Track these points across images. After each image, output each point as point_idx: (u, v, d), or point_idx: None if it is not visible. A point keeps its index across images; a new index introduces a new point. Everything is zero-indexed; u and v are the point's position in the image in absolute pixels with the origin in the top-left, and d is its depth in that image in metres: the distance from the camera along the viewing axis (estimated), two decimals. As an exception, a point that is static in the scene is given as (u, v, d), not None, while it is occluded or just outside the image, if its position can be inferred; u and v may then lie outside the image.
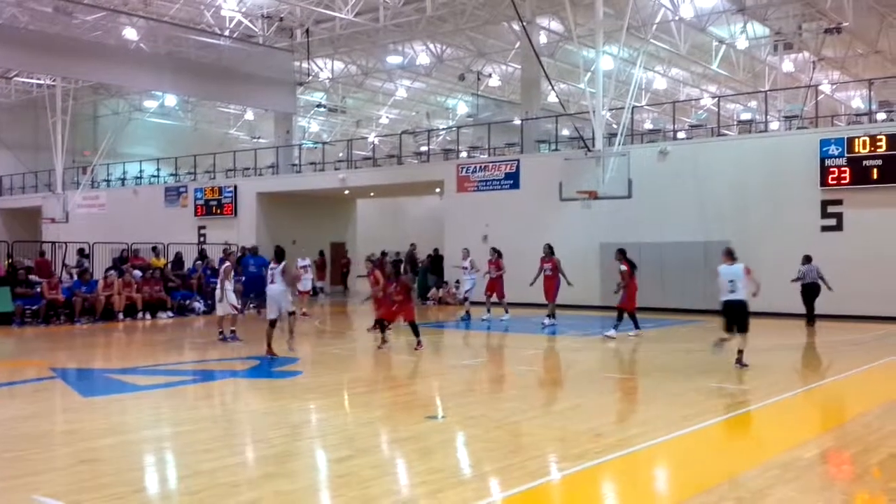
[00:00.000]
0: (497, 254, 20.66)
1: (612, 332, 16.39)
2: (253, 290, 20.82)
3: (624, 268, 16.74)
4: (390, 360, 14.24)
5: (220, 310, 16.01)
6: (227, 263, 16.57)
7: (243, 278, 20.71)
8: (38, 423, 8.83)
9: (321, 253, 32.79)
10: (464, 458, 7.49)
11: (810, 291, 18.80)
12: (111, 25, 29.13)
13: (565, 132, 29.05)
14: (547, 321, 18.58)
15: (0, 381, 11.81)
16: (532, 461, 6.98)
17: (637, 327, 16.84)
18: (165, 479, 6.86)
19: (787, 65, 33.64)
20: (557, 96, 26.74)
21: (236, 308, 16.23)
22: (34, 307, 20.02)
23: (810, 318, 18.95)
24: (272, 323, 13.88)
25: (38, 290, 20.46)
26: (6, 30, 26.57)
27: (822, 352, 14.93)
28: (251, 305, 20.79)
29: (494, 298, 20.43)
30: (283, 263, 13.93)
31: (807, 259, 18.99)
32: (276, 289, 13.84)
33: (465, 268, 21.95)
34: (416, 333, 14.59)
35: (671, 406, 9.38)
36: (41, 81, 34.15)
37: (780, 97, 31.12)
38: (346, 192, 32.96)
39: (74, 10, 27.01)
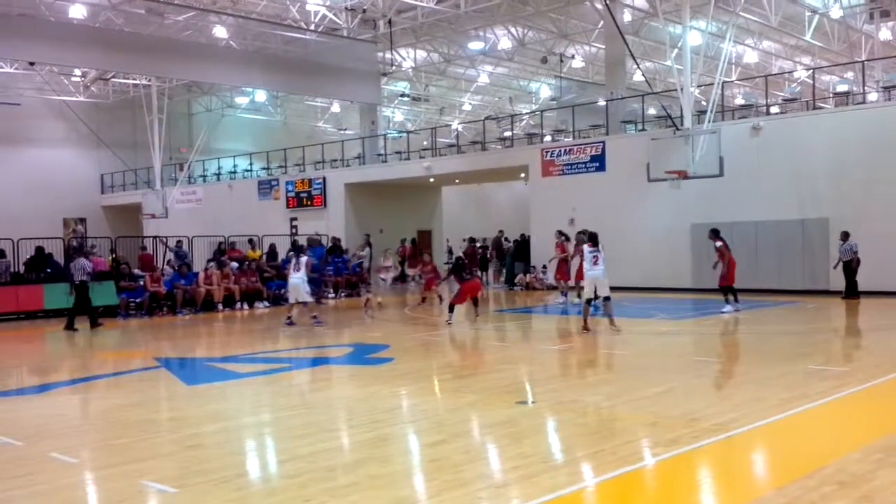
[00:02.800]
0: (564, 237, 20.60)
1: (728, 308, 16.93)
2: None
3: (719, 244, 17.11)
4: (480, 346, 14.32)
5: (299, 297, 17.08)
6: (305, 258, 17.54)
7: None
8: (145, 411, 9.24)
9: (413, 241, 33.02)
10: (555, 443, 7.50)
11: (851, 267, 19.71)
12: (201, 24, 29.99)
13: (652, 111, 28.48)
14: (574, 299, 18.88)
15: (107, 372, 12.41)
16: (624, 447, 6.93)
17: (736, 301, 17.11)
18: (266, 463, 7.10)
19: (885, 33, 32.15)
20: (643, 75, 26.25)
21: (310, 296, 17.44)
22: (138, 300, 20.90)
23: (851, 292, 19.76)
24: (588, 301, 14.52)
25: (142, 283, 21.35)
26: (103, 33, 27.65)
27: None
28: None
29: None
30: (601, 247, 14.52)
31: (845, 235, 19.71)
32: (598, 271, 14.31)
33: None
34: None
35: (769, 389, 9.16)
36: (137, 81, 35.42)
37: (879, 67, 29.75)
38: (431, 179, 33.18)
39: (166, 10, 27.90)
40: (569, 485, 5.86)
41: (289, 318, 17.08)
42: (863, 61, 29.02)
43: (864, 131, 21.29)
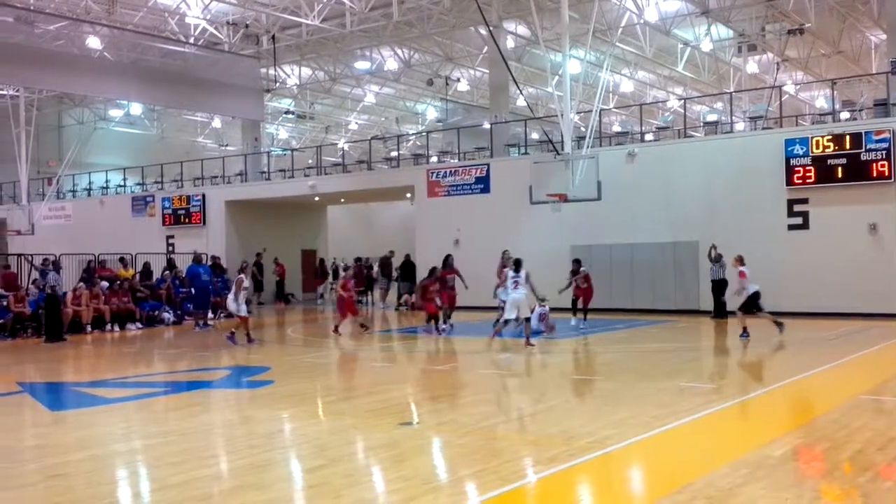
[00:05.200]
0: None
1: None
2: (201, 301, 21.08)
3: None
4: (362, 368, 14.20)
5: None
6: (241, 276, 17.16)
7: (192, 289, 21.29)
8: (6, 439, 8.68)
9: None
10: (437, 464, 7.48)
11: (720, 287, 20.70)
12: (74, 34, 28.78)
13: (534, 136, 29.17)
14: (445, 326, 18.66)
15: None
16: (505, 465, 6.98)
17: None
18: (136, 493, 6.77)
19: (752, 66, 34.06)
20: (525, 100, 26.86)
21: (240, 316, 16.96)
22: (1, 321, 19.70)
23: (719, 312, 20.74)
24: (517, 320, 15.52)
25: (5, 303, 20.14)
26: (-34, 40, 26.15)
27: (790, 349, 15.11)
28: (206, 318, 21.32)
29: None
30: (524, 272, 15.42)
31: (718, 257, 20.60)
32: (519, 294, 15.33)
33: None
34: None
35: (642, 407, 9.44)
36: (4, 92, 33.61)
37: (745, 98, 31.52)
38: (317, 198, 32.83)
39: (36, 19, 26.67)
40: (449, 506, 5.83)
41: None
42: (731, 92, 30.64)
43: (732, 159, 22.44)
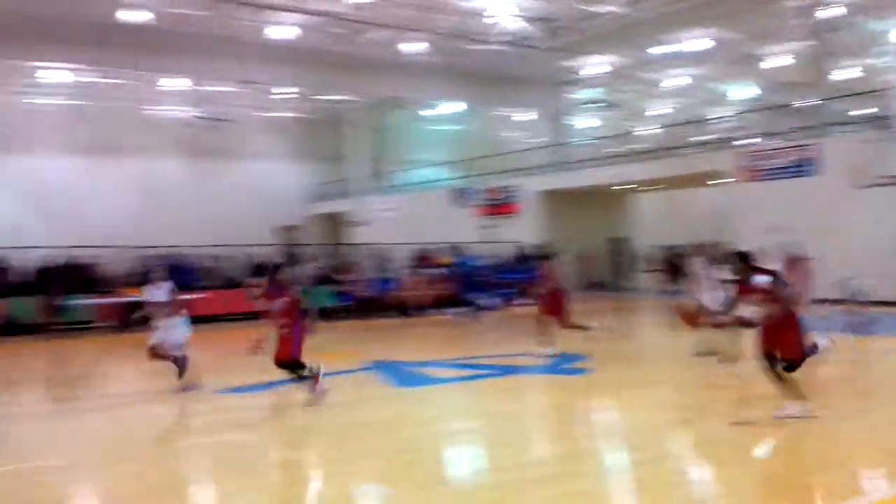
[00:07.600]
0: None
1: None
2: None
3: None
4: (683, 360, 13.77)
5: None
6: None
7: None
8: (359, 412, 9.77)
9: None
10: (784, 466, 7.22)
11: None
12: (393, 40, 30.92)
13: (862, 112, 26.64)
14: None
15: (327, 371, 12.92)
16: (857, 475, 6.58)
17: None
18: (469, 472, 7.36)
19: None
20: (850, 74, 24.62)
21: None
22: (347, 304, 22.58)
23: None
24: None
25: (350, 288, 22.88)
26: (307, 53, 29.67)
27: None
28: None
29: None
30: None
31: None
32: None
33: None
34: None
35: None
36: (340, 98, 36.99)
37: None
38: (624, 186, 32.70)
39: (361, 29, 29.32)
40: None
41: None
42: None
43: None
